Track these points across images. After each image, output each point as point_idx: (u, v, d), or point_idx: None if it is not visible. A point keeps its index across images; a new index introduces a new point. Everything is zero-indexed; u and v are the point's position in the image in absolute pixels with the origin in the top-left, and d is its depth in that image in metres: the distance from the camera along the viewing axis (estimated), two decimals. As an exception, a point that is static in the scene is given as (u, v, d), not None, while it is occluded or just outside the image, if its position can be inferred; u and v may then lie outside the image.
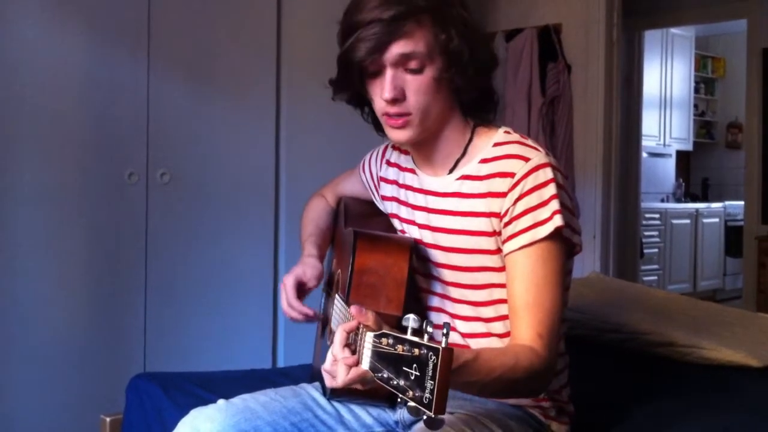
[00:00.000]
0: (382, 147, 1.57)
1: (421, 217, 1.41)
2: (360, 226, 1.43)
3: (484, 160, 1.32)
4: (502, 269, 1.30)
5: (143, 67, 2.86)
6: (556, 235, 1.25)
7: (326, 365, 1.06)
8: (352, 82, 1.32)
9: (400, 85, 1.27)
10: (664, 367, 2.01)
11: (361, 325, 1.02)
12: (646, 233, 6.31)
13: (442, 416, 0.87)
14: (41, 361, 2.64)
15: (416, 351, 0.89)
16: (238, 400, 1.35)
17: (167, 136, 2.93)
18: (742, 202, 5.45)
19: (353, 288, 1.28)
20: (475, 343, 1.35)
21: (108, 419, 1.89)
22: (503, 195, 1.27)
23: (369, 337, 0.99)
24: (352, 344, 1.04)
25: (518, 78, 3.92)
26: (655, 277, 6.52)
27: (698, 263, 6.96)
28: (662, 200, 7.26)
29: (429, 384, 0.87)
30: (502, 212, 1.27)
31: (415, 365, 0.89)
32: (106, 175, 2.79)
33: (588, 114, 3.85)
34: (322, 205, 1.69)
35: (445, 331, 0.90)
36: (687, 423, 1.57)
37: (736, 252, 6.60)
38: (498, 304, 1.33)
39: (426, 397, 0.87)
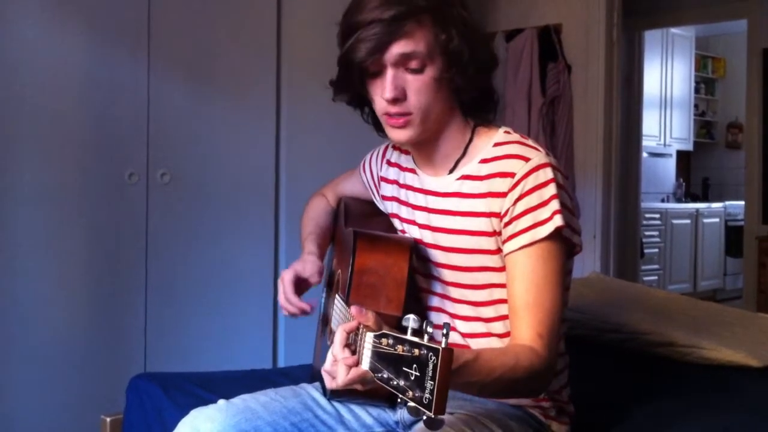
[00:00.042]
0: (383, 147, 1.57)
1: (421, 217, 1.41)
2: (360, 226, 1.43)
3: (485, 160, 1.32)
4: (502, 269, 1.30)
5: (143, 67, 2.86)
6: (556, 235, 1.25)
7: (326, 366, 1.06)
8: (352, 82, 1.32)
9: (401, 84, 1.27)
10: (664, 367, 2.01)
11: (361, 326, 1.02)
12: (647, 233, 6.31)
13: (441, 416, 0.87)
14: (41, 361, 2.64)
15: (416, 351, 0.89)
16: (239, 400, 1.35)
17: (167, 136, 2.93)
18: (743, 202, 5.45)
19: (353, 288, 1.28)
20: (475, 343, 1.35)
21: (108, 419, 1.89)
22: (503, 195, 1.27)
23: (369, 338, 0.99)
24: (352, 344, 1.04)
25: (518, 78, 3.92)
26: (656, 277, 6.52)
27: (698, 263, 6.97)
28: (662, 200, 7.26)
29: (429, 384, 0.87)
30: (503, 212, 1.27)
31: (415, 365, 0.89)
32: (106, 175, 2.79)
33: (588, 114, 3.85)
34: (322, 204, 1.69)
35: (445, 331, 0.90)
36: (687, 423, 1.57)
37: (736, 252, 6.60)
38: (498, 304, 1.33)
39: (426, 398, 0.87)
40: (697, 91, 7.55)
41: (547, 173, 1.26)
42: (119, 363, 2.77)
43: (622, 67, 4.25)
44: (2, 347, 2.57)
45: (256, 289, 3.18)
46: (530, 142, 1.32)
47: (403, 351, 0.91)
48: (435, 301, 1.41)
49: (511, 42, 4.00)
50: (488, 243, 1.30)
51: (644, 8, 5.09)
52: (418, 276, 1.42)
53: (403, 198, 1.46)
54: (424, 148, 1.38)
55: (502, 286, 1.30)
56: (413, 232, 1.43)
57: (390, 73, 1.27)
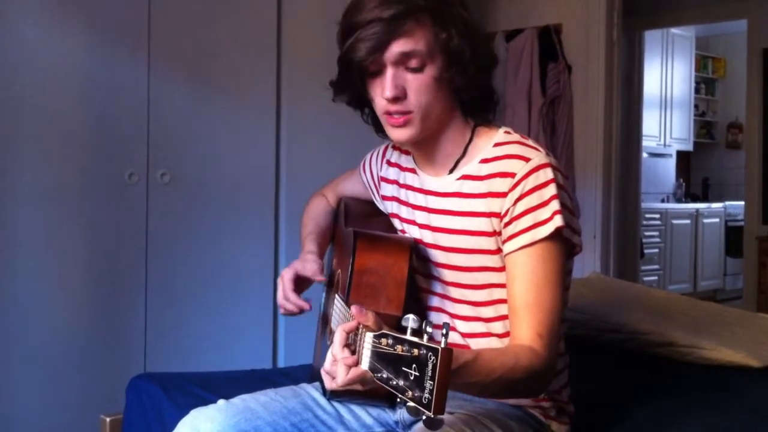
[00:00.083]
0: (383, 147, 1.57)
1: (421, 217, 1.41)
2: (360, 226, 1.43)
3: (485, 160, 1.32)
4: (502, 269, 1.30)
5: (143, 67, 2.86)
6: (556, 236, 1.25)
7: (326, 365, 1.06)
8: (352, 82, 1.32)
9: (401, 83, 1.27)
10: (664, 367, 2.01)
11: (361, 326, 1.02)
12: (647, 233, 6.31)
13: (441, 416, 0.87)
14: (41, 361, 2.64)
15: (416, 351, 0.89)
16: (238, 401, 1.35)
17: (167, 136, 2.93)
18: (743, 202, 5.45)
19: (353, 288, 1.28)
20: (474, 343, 1.35)
21: (108, 419, 1.89)
22: (503, 195, 1.27)
23: (369, 338, 0.99)
24: (351, 344, 1.04)
25: (518, 78, 3.92)
26: (656, 277, 6.52)
27: (698, 263, 6.97)
28: (662, 200, 7.26)
29: (428, 384, 0.87)
30: (503, 212, 1.27)
31: (414, 365, 0.89)
32: (106, 175, 2.79)
33: (588, 114, 3.84)
34: (322, 204, 1.69)
35: (444, 331, 0.90)
36: (687, 423, 1.57)
37: (736, 252, 6.60)
38: (498, 304, 1.33)
39: (425, 398, 0.87)
40: (697, 91, 7.55)
41: (548, 173, 1.26)
42: (119, 363, 2.77)
43: (622, 67, 4.25)
44: (2, 347, 2.57)
45: (256, 289, 3.18)
46: (530, 142, 1.32)
47: (402, 351, 0.91)
48: (435, 301, 1.41)
49: (511, 42, 4.00)
50: (488, 243, 1.30)
51: (644, 8, 5.10)
52: (418, 276, 1.42)
53: (403, 198, 1.46)
54: (424, 147, 1.38)
55: (502, 286, 1.30)
56: (413, 232, 1.43)
57: (390, 71, 1.27)
